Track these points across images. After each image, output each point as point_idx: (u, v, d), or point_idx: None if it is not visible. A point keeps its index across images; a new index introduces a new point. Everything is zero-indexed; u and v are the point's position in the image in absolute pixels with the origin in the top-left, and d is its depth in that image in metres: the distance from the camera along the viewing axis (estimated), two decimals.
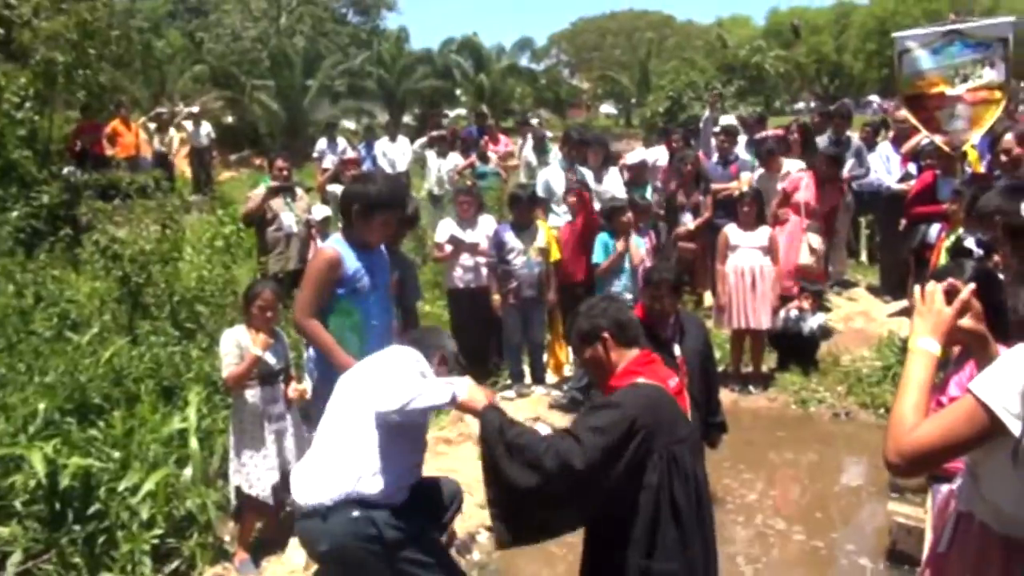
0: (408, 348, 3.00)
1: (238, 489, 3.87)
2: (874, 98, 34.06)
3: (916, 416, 1.72)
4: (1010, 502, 1.75)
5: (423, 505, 2.98)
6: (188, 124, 14.11)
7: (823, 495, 4.98)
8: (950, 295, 1.87)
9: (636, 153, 8.86)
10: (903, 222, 6.91)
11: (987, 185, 4.70)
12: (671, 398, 2.57)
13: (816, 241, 6.88)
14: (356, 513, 2.71)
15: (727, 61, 19.74)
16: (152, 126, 13.84)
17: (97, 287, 6.14)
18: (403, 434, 2.84)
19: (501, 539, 2.51)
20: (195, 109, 15.26)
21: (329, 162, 10.77)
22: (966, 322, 1.89)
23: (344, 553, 2.72)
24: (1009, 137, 4.80)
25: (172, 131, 13.76)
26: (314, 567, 3.49)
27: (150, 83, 20.38)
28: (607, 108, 38.02)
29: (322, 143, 11.75)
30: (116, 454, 4.00)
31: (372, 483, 2.74)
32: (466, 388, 2.64)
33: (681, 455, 2.47)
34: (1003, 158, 4.86)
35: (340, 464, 2.75)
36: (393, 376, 2.80)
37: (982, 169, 6.29)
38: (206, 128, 14.04)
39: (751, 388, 6.27)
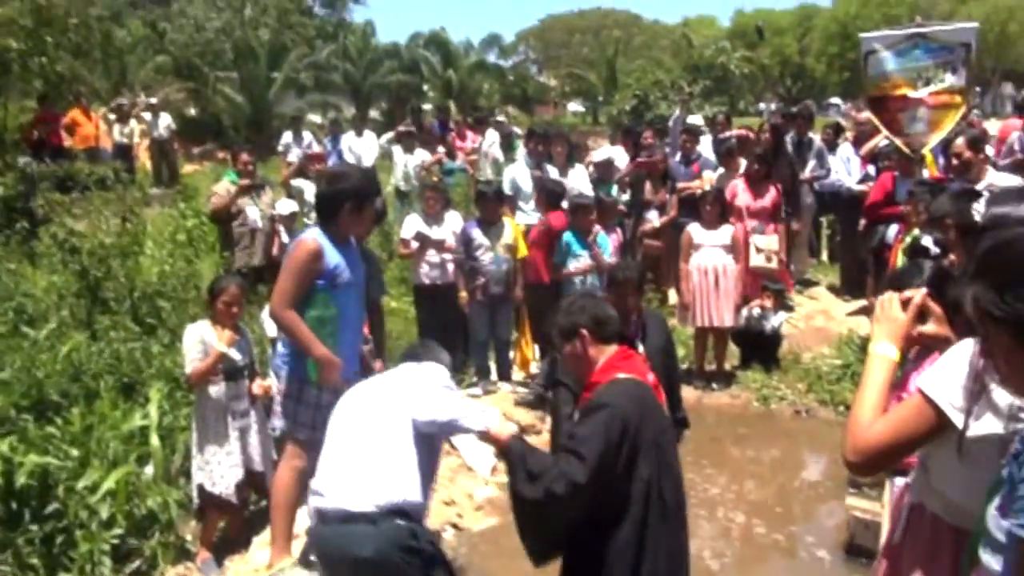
0: (439, 365, 3.05)
1: (200, 487, 3.83)
2: (836, 100, 34.66)
3: (873, 416, 1.78)
4: (958, 493, 1.82)
5: None
6: (147, 115, 13.84)
7: (784, 490, 5.08)
8: (907, 304, 1.94)
9: (603, 151, 8.92)
10: (862, 222, 7.07)
11: (940, 188, 4.83)
12: (651, 391, 2.62)
13: (763, 241, 6.84)
14: (401, 523, 2.69)
15: (693, 61, 19.97)
16: (112, 117, 13.56)
17: (55, 281, 6.02)
18: (433, 450, 2.91)
19: (531, 560, 2.60)
20: (154, 100, 14.95)
21: (294, 156, 10.65)
22: (929, 328, 1.95)
23: (385, 561, 2.64)
24: (960, 141, 4.93)
25: (133, 122, 13.50)
26: (284, 561, 3.49)
27: (110, 73, 19.94)
28: (574, 106, 38.15)
29: (287, 137, 11.63)
30: (75, 452, 3.93)
31: (414, 494, 2.74)
32: (497, 420, 2.76)
33: (665, 446, 2.54)
34: (955, 162, 4.98)
35: (384, 472, 2.72)
36: (438, 391, 2.88)
37: (937, 172, 6.45)
38: (165, 120, 13.79)
39: (714, 385, 6.36)
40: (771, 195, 6.97)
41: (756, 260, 6.86)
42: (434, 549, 2.78)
